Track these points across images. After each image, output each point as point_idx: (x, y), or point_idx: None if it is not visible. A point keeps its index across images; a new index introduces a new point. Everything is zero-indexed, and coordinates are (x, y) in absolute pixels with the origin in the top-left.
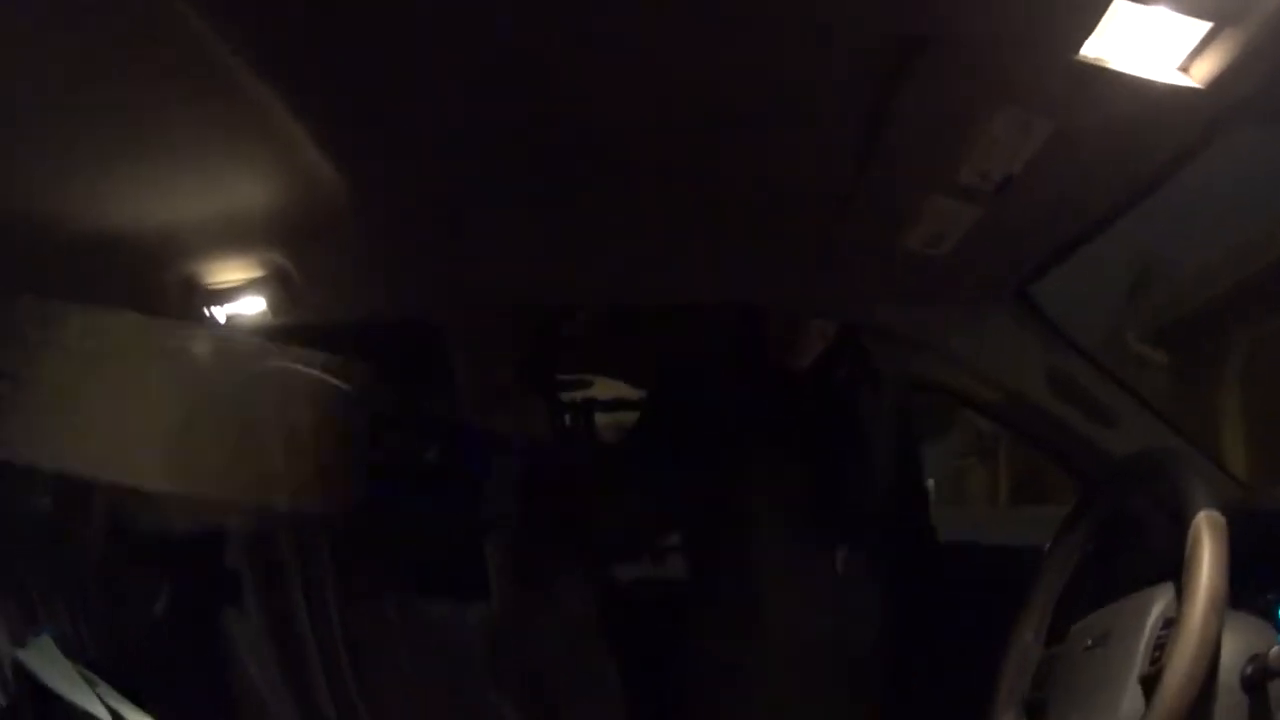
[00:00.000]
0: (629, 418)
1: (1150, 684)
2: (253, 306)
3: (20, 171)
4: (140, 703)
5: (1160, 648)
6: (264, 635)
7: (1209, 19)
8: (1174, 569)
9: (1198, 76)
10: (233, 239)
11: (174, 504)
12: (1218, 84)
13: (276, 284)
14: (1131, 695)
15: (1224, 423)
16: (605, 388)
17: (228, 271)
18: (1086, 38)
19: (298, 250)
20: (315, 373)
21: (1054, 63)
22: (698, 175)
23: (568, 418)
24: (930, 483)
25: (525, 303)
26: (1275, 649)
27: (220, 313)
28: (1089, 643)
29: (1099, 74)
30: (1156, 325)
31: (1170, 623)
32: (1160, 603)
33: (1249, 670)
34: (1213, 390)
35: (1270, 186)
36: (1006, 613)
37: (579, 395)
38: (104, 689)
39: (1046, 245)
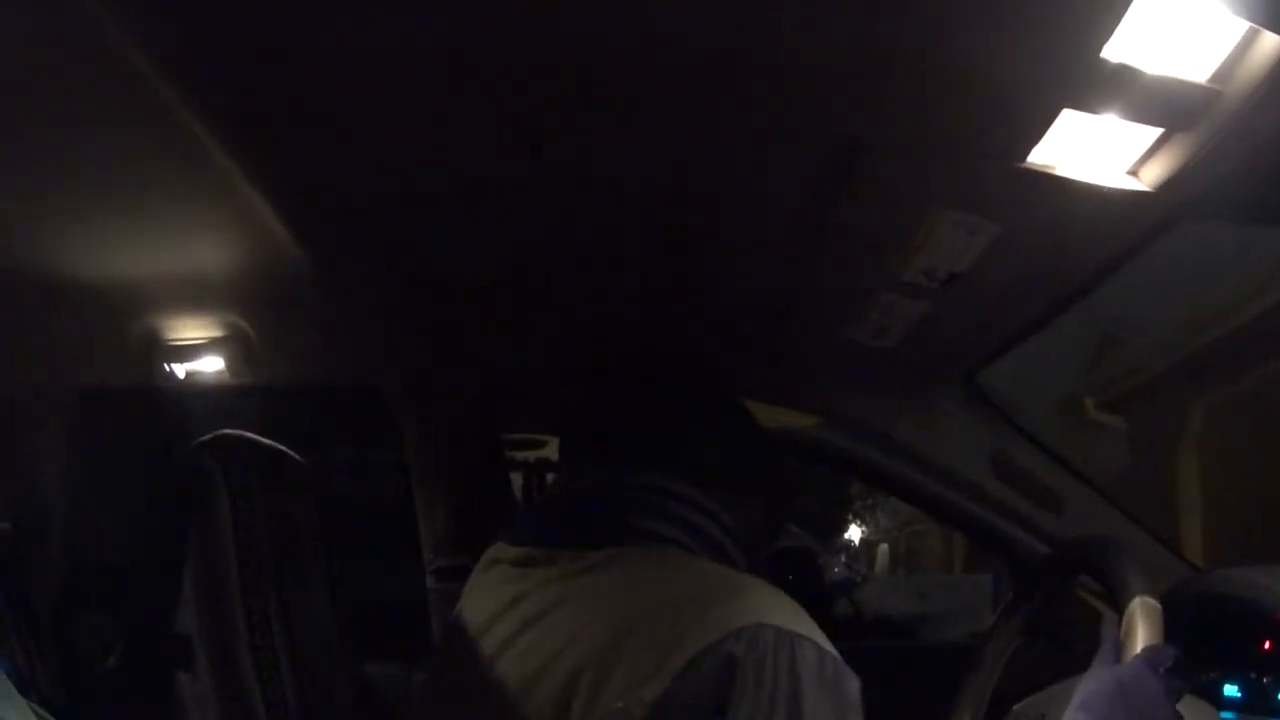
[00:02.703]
0: None
1: None
2: (211, 365)
3: None
4: None
5: None
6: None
7: (1159, 125)
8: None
9: (1147, 180)
10: (192, 297)
11: None
12: (1168, 186)
13: (235, 344)
14: None
15: (1181, 488)
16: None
17: (188, 329)
18: (1034, 146)
19: (256, 312)
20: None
21: (1001, 169)
22: (652, 263)
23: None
24: (883, 548)
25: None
26: None
27: (180, 370)
28: None
29: (1046, 179)
30: (1115, 391)
31: None
32: None
33: None
34: (1170, 456)
35: (1227, 258)
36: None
37: (532, 456)
38: None
39: (995, 336)
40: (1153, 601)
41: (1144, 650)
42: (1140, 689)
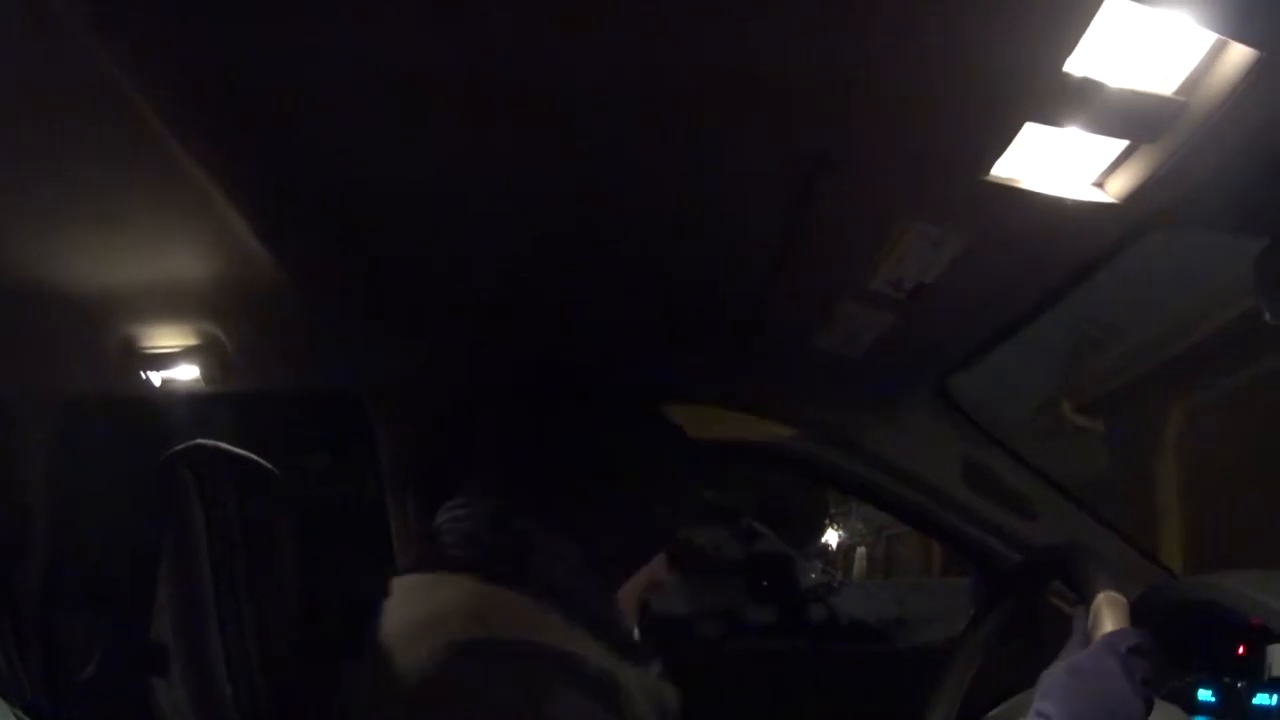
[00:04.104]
0: None
1: None
2: (186, 373)
3: None
4: None
5: None
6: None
7: (1124, 138)
8: None
9: (1113, 192)
10: (166, 305)
11: None
12: (1133, 198)
13: (209, 352)
14: None
15: (1159, 493)
16: None
17: (163, 337)
18: (997, 158)
19: (230, 321)
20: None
21: (965, 182)
22: (622, 274)
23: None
24: (861, 552)
25: (449, 378)
26: None
27: (156, 377)
28: None
29: (1011, 192)
30: (1092, 395)
31: None
32: None
33: None
34: (1148, 460)
35: (1203, 262)
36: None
37: None
38: None
39: (963, 345)
40: (1118, 595)
41: (1105, 635)
42: (1097, 669)
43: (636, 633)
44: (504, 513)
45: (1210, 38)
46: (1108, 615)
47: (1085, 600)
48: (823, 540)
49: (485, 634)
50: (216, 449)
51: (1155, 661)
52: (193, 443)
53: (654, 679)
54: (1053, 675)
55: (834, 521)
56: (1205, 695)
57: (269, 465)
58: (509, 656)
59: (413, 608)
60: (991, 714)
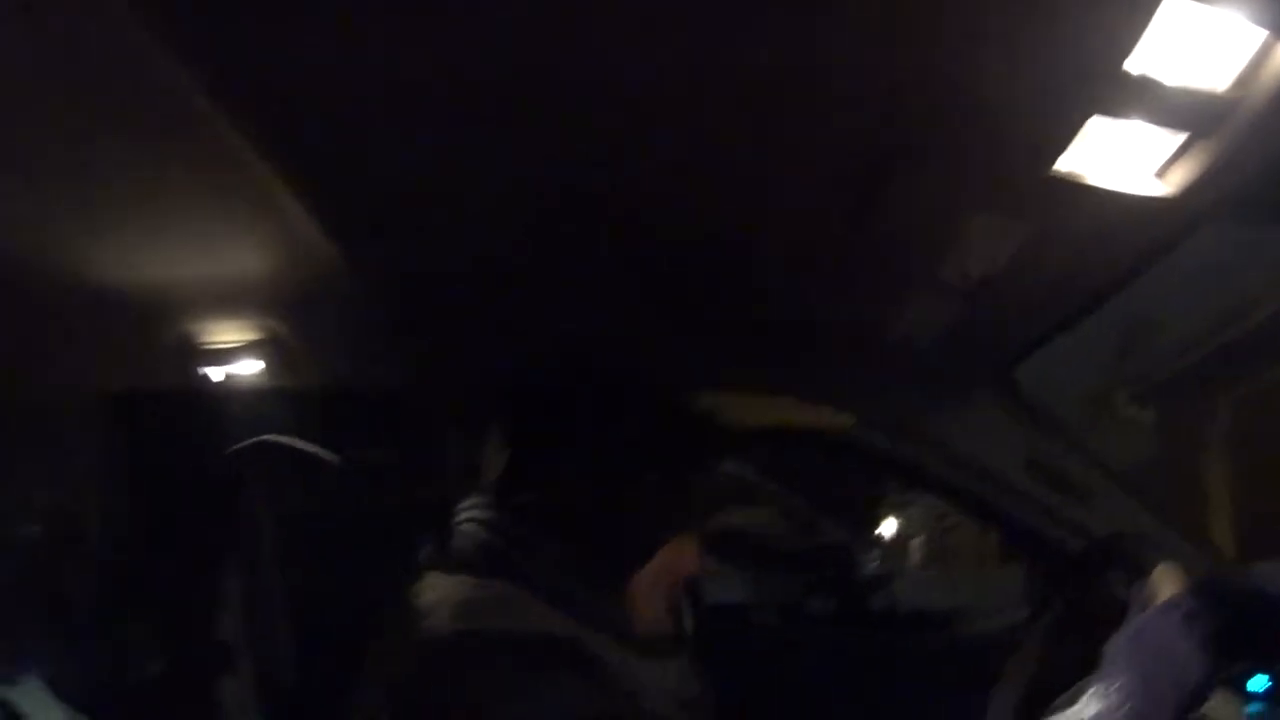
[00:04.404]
0: None
1: None
2: (249, 368)
3: (27, 228)
4: None
5: None
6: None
7: (1184, 130)
8: None
9: (1173, 184)
10: (230, 302)
11: None
12: (1193, 190)
13: (272, 347)
14: None
15: (1210, 483)
16: None
17: (225, 333)
18: (1063, 152)
19: (292, 316)
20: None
21: (1032, 175)
22: (690, 267)
23: None
24: (918, 541)
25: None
26: None
27: (217, 372)
28: None
29: (1075, 184)
30: (1144, 386)
31: None
32: None
33: None
34: (1199, 451)
35: (1254, 252)
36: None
37: None
38: None
39: (1028, 333)
40: (1175, 566)
41: (1165, 599)
42: (1158, 629)
43: (672, 622)
44: (501, 514)
45: (1261, 34)
46: (1166, 583)
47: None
48: (880, 530)
49: (471, 626)
50: (282, 444)
51: (1217, 620)
52: (258, 438)
53: (675, 669)
54: (1115, 641)
55: (892, 511)
56: (1258, 684)
57: (335, 459)
58: (495, 645)
59: (409, 603)
60: (1057, 701)
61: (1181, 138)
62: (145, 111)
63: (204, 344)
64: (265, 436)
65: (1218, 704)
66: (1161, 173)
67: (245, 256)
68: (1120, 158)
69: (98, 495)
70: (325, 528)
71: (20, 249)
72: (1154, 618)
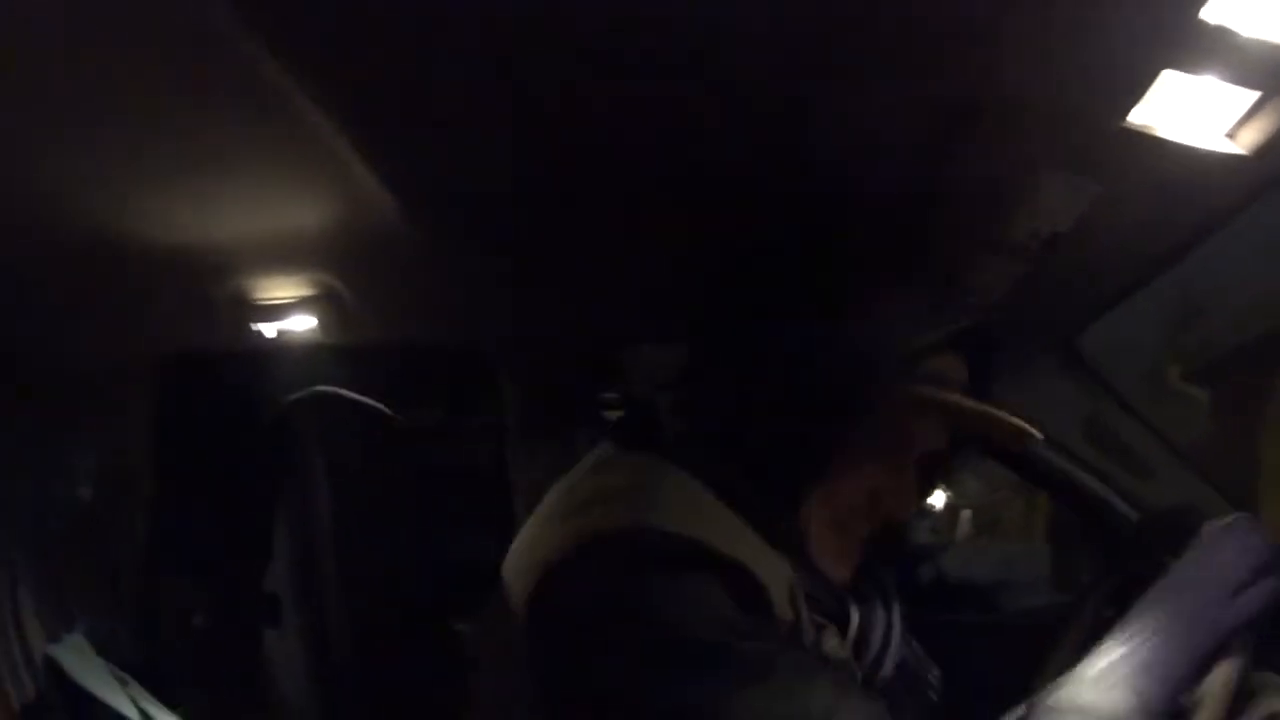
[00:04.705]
0: None
1: None
2: (303, 324)
3: (81, 185)
4: (172, 704)
5: None
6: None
7: (1257, 88)
8: None
9: (1244, 144)
10: (284, 257)
11: None
12: (1263, 151)
13: (327, 303)
14: None
15: (1264, 461)
16: None
17: (279, 289)
18: (1134, 105)
19: (349, 270)
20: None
21: (1102, 129)
22: (758, 227)
23: None
24: (966, 514)
25: (576, 334)
26: None
27: (271, 329)
28: None
29: (1146, 140)
30: (1198, 364)
31: None
32: None
33: None
34: (1254, 427)
35: None
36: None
37: None
38: (135, 689)
39: (1092, 299)
40: (1220, 522)
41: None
42: (1189, 577)
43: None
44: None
45: None
46: (1208, 539)
47: None
48: (930, 501)
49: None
50: (338, 395)
51: (1258, 567)
52: (313, 389)
53: (833, 634)
54: (1150, 596)
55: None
56: None
57: (392, 413)
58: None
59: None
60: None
61: (1255, 96)
62: (198, 67)
63: (259, 300)
64: (322, 387)
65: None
66: (1234, 132)
67: (300, 212)
68: (1191, 116)
69: (149, 455)
70: (378, 482)
71: (74, 210)
72: (1186, 564)
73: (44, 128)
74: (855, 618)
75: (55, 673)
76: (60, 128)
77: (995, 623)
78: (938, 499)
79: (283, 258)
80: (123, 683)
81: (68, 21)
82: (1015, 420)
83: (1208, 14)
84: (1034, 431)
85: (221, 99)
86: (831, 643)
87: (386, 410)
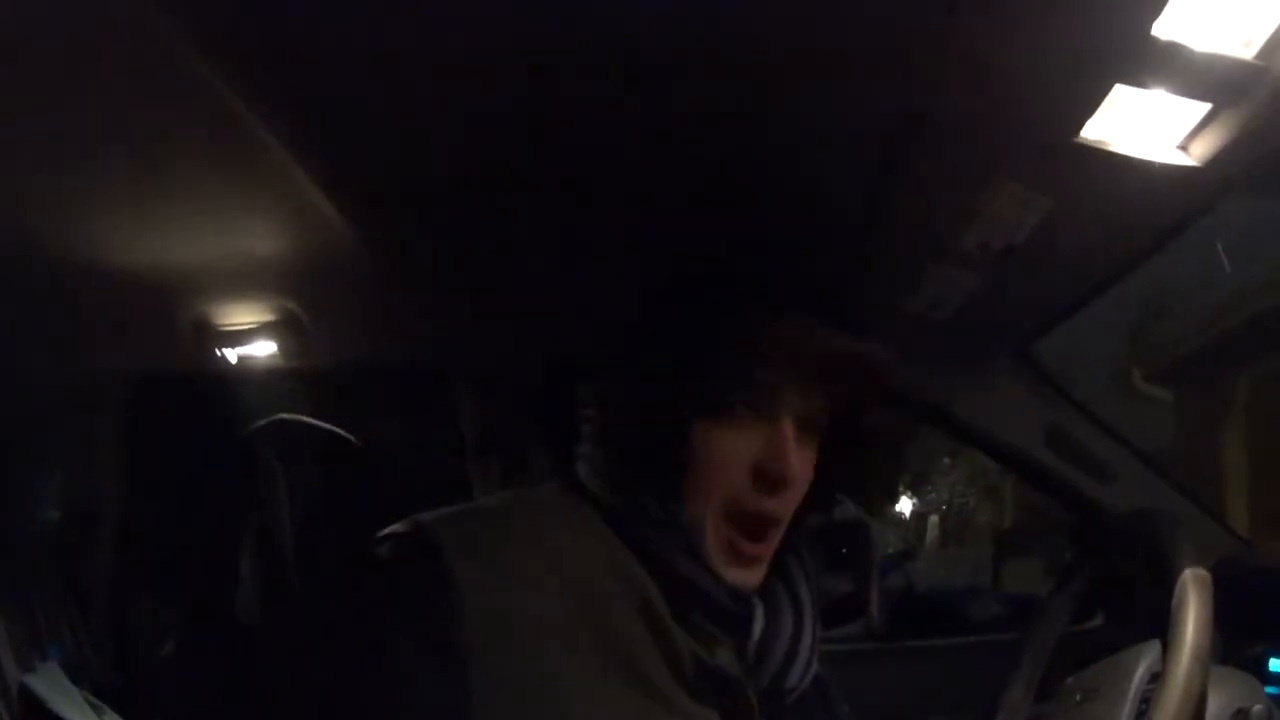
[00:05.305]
0: None
1: None
2: (263, 349)
3: (35, 210)
4: None
5: (1146, 701)
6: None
7: (1208, 100)
8: (1161, 627)
9: (1196, 155)
10: (242, 282)
11: None
12: (1216, 161)
13: (285, 328)
14: None
15: (1228, 462)
16: None
17: (238, 314)
18: (1087, 120)
19: (306, 294)
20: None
21: (1054, 143)
22: (709, 237)
23: None
24: (933, 520)
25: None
26: (1259, 706)
27: (231, 354)
28: (1078, 698)
29: (1100, 154)
30: (1162, 363)
31: (1156, 678)
32: (1147, 659)
33: None
34: (1216, 430)
35: (1271, 230)
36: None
37: None
38: (110, 717)
39: (1048, 308)
40: (1204, 573)
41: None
42: None
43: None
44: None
45: None
46: (1194, 595)
47: (1169, 573)
48: (897, 508)
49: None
50: (299, 423)
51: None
52: (275, 418)
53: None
54: None
55: (909, 489)
56: (1278, 664)
57: (351, 437)
58: None
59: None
60: (1072, 680)
61: (1205, 108)
62: (155, 86)
63: (220, 326)
64: (282, 415)
65: (1237, 684)
66: (1186, 143)
67: (260, 236)
68: (1144, 129)
69: (115, 480)
70: (341, 504)
71: (31, 234)
72: None
73: None
74: (758, 627)
75: (32, 702)
76: (15, 152)
77: (967, 626)
78: (905, 507)
79: (242, 283)
80: (98, 710)
81: (21, 44)
82: (860, 345)
83: (1159, 29)
84: (888, 355)
85: (177, 123)
86: (725, 656)
87: (345, 434)
